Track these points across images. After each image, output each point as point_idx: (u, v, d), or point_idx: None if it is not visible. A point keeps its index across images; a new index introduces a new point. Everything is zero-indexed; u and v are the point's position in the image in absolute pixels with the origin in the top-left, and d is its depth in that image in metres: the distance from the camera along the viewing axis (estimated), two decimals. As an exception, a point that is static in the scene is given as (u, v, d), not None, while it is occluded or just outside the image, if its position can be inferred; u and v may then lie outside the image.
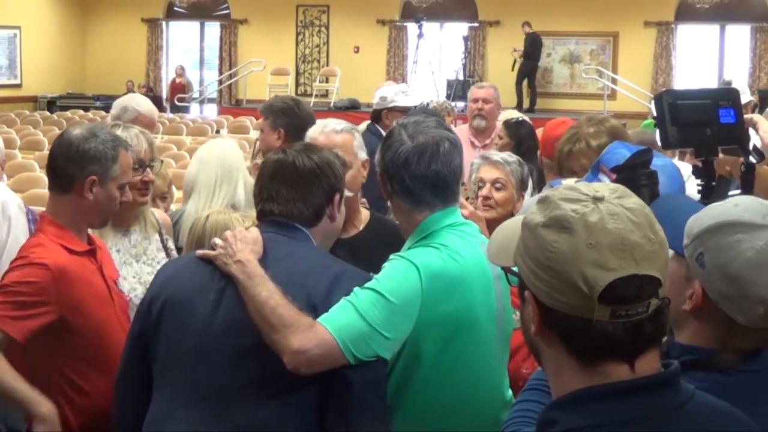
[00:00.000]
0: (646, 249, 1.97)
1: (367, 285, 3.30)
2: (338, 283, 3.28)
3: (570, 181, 3.30)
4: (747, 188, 3.27)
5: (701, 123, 3.12)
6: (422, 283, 3.33)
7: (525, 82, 26.15)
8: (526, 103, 25.55)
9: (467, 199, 4.00)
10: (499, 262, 2.28)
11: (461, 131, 8.16)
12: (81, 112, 24.31)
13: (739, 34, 26.47)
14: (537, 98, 26.37)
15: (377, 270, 3.68)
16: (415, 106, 8.62)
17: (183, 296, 3.33)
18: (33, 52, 29.39)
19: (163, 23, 31.30)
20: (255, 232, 3.40)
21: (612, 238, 1.95)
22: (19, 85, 29.39)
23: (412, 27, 27.55)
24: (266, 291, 3.18)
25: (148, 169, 4.61)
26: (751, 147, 3.33)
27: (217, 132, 21.08)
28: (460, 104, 23.78)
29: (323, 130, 4.44)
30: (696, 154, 3.19)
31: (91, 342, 3.81)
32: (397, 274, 3.35)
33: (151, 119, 6.68)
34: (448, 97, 25.04)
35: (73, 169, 3.86)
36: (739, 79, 25.22)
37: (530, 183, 7.32)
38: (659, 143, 3.24)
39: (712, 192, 3.13)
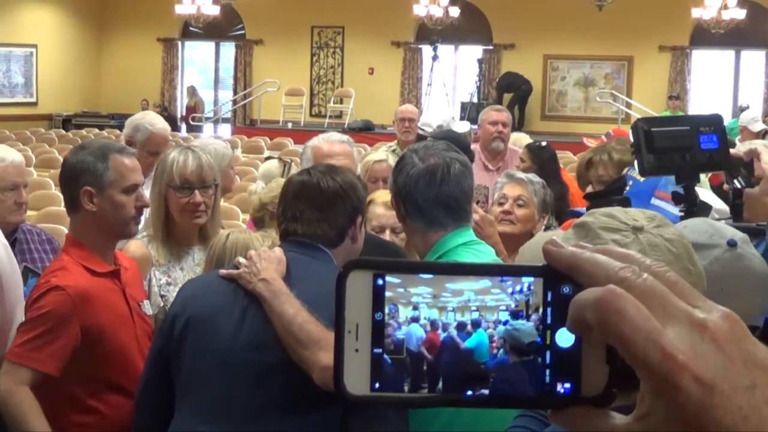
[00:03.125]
0: (686, 281, 1.96)
1: None
2: None
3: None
4: (736, 213, 3.30)
5: (678, 149, 3.12)
6: None
7: (516, 105, 26.23)
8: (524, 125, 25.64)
9: (477, 203, 4.03)
10: None
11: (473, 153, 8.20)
12: (96, 130, 24.38)
13: (754, 60, 26.47)
14: (545, 121, 26.45)
15: None
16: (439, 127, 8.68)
17: (207, 314, 3.35)
18: (49, 71, 29.51)
19: (179, 43, 31.39)
20: (278, 251, 3.42)
21: None
22: (34, 103, 29.49)
23: (426, 49, 27.58)
24: (293, 308, 3.21)
25: (197, 192, 4.58)
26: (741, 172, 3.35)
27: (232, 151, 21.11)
28: (474, 126, 23.84)
29: (327, 139, 4.52)
30: (676, 180, 3.20)
31: (109, 364, 3.80)
32: None
33: (164, 137, 6.67)
34: (462, 119, 25.07)
35: (70, 187, 3.92)
36: (754, 105, 25.25)
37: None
38: (636, 170, 3.27)
39: (694, 217, 3.15)
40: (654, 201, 3.47)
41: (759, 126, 12.33)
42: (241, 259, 3.40)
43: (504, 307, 0.93)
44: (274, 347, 3.21)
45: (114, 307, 3.86)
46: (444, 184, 3.55)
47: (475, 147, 8.72)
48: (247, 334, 3.28)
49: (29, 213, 11.87)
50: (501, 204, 5.26)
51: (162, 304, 4.46)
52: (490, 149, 8.37)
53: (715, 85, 26.82)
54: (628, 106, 26.00)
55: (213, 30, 28.75)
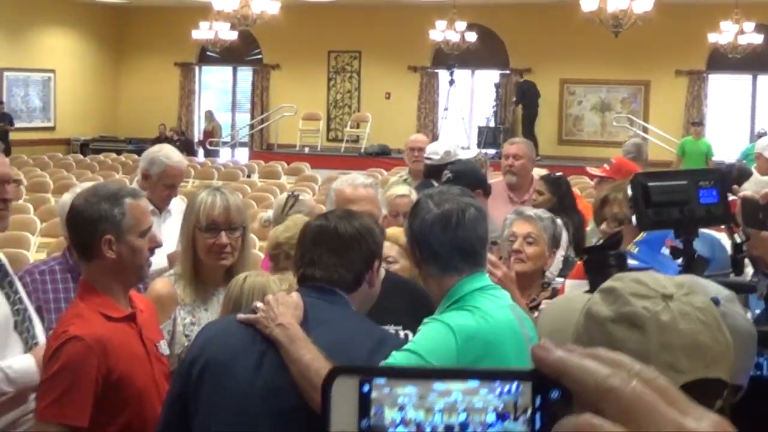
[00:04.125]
0: (715, 350, 1.98)
1: (404, 348, 3.34)
2: (379, 349, 3.32)
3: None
4: (737, 268, 3.29)
5: (676, 203, 3.14)
6: (457, 345, 3.38)
7: (536, 129, 26.24)
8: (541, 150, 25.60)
9: (500, 258, 4.04)
10: None
11: (498, 185, 8.16)
12: (113, 155, 24.46)
13: (771, 85, 26.48)
14: (562, 146, 26.47)
15: (396, 320, 3.94)
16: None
17: (224, 358, 3.36)
18: (67, 95, 29.67)
19: (196, 68, 31.53)
20: (296, 296, 3.43)
21: (684, 340, 1.96)
22: (52, 128, 29.63)
23: (443, 74, 27.64)
24: (309, 354, 3.22)
25: (223, 233, 4.57)
26: (740, 229, 3.35)
27: (249, 176, 21.17)
28: (491, 151, 23.89)
29: (351, 183, 4.51)
30: (674, 234, 3.21)
31: (128, 408, 3.80)
32: (433, 335, 3.42)
33: (180, 171, 6.71)
34: (479, 144, 25.11)
35: (86, 236, 3.87)
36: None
37: (565, 236, 7.35)
38: (635, 224, 3.28)
39: (690, 272, 3.15)
40: (664, 250, 3.46)
41: (777, 153, 12.27)
42: (259, 304, 3.41)
43: (492, 409, 0.92)
44: (291, 392, 3.21)
45: (131, 352, 3.85)
46: (459, 229, 3.56)
47: (500, 180, 8.69)
48: (265, 379, 3.29)
49: (45, 240, 11.94)
50: (511, 242, 5.25)
51: (186, 344, 4.46)
52: (506, 183, 8.32)
53: (732, 109, 26.80)
54: (645, 130, 25.99)
55: (230, 55, 28.86)
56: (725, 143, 23.54)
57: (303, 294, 3.46)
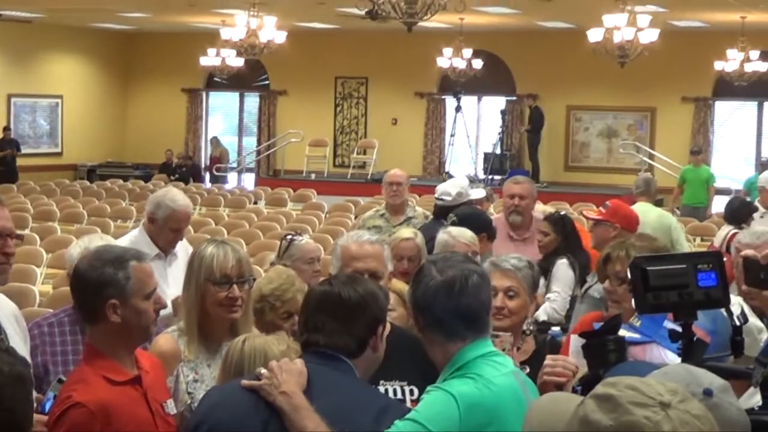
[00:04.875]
0: None
1: (407, 416, 3.35)
2: (382, 418, 3.32)
3: None
4: (736, 351, 3.31)
5: (675, 287, 3.15)
6: (460, 413, 3.38)
7: (541, 156, 26.31)
8: (543, 175, 25.62)
9: (503, 350, 4.03)
10: None
11: (497, 222, 8.17)
12: (120, 181, 24.51)
13: (777, 111, 26.49)
14: (568, 172, 26.50)
15: (402, 376, 3.97)
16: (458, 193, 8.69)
17: (228, 425, 3.37)
18: (74, 121, 29.75)
19: (203, 93, 31.60)
20: (300, 363, 3.44)
21: None
22: (59, 154, 29.70)
23: (450, 100, 27.69)
24: (313, 423, 3.23)
25: (235, 286, 4.58)
26: (738, 311, 3.36)
27: (255, 203, 21.21)
28: (497, 177, 23.90)
29: (357, 240, 4.50)
30: (674, 317, 3.22)
31: None
32: (436, 404, 3.41)
33: (186, 214, 6.76)
34: (485, 170, 25.15)
35: (91, 300, 3.86)
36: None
37: (571, 275, 7.36)
38: (635, 308, 3.30)
39: (688, 355, 3.17)
40: (667, 324, 3.48)
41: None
42: (263, 370, 3.42)
43: None
44: None
45: (136, 416, 3.84)
46: (462, 296, 3.55)
47: (500, 216, 8.70)
48: None
49: (51, 271, 11.93)
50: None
51: (189, 401, 4.45)
52: (509, 222, 8.32)
53: (738, 136, 26.81)
54: (651, 157, 26.01)
55: (237, 80, 28.93)
56: (731, 170, 23.56)
57: (306, 360, 3.47)
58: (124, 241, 6.56)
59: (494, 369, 3.54)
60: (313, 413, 3.26)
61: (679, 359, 3.25)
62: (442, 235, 6.61)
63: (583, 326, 4.84)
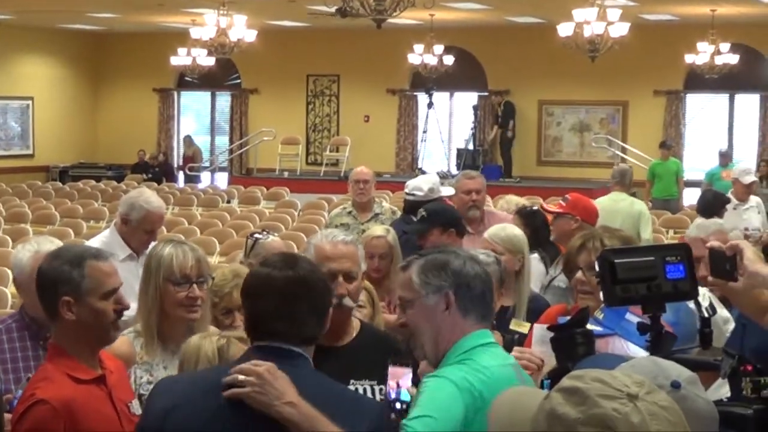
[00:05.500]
0: None
1: (413, 415, 3.34)
2: (359, 415, 3.26)
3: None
4: (705, 343, 3.32)
5: (643, 280, 3.16)
6: (462, 397, 3.40)
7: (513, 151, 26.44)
8: (516, 170, 25.76)
9: None
10: None
11: None
12: (93, 182, 24.42)
13: (748, 104, 26.57)
14: (541, 167, 26.64)
15: (371, 375, 3.97)
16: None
17: None
18: (45, 123, 29.62)
19: (175, 93, 31.52)
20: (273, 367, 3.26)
21: None
22: (31, 155, 29.56)
23: (422, 96, 27.68)
24: (329, 427, 3.17)
25: (195, 286, 4.57)
26: (706, 303, 3.37)
27: (228, 203, 21.18)
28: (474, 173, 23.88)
29: (330, 240, 4.48)
30: (642, 310, 3.23)
31: None
32: (438, 394, 3.41)
33: (160, 215, 6.73)
34: (458, 166, 25.16)
35: (48, 296, 3.85)
36: (747, 148, 25.33)
37: (542, 268, 7.36)
38: (603, 301, 3.31)
39: (659, 347, 3.17)
40: (628, 316, 3.49)
41: (750, 178, 12.39)
42: (242, 376, 3.22)
43: None
44: None
45: (101, 415, 3.82)
46: (487, 290, 3.64)
47: None
48: None
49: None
50: None
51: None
52: (467, 217, 8.28)
53: (710, 128, 26.91)
54: (624, 150, 26.07)
55: (208, 80, 28.85)
56: (703, 162, 23.64)
57: (259, 357, 3.27)
58: (95, 242, 6.54)
59: (493, 359, 3.56)
60: (322, 417, 3.16)
61: (641, 351, 3.26)
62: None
63: (548, 318, 4.86)
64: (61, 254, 3.92)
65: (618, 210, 10.96)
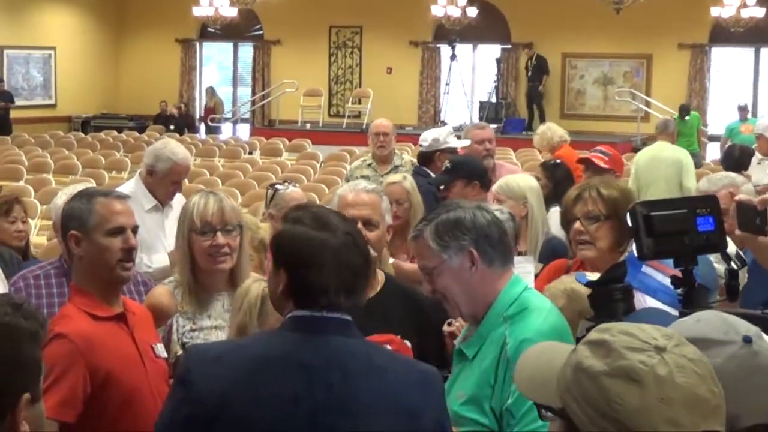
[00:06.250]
0: (711, 404, 1.97)
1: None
2: (429, 387, 3.06)
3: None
4: (731, 295, 3.27)
5: (677, 233, 3.13)
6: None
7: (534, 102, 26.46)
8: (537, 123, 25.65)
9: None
10: (536, 398, 2.22)
11: None
12: (114, 133, 24.43)
13: (774, 57, 26.40)
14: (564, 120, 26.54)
15: (396, 329, 3.90)
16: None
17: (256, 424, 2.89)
18: (67, 73, 29.60)
19: (197, 44, 31.43)
20: None
21: (683, 394, 1.95)
22: (53, 106, 29.59)
23: (445, 49, 27.56)
24: None
25: (219, 234, 4.51)
26: (734, 254, 3.32)
27: (250, 154, 21.14)
28: (493, 126, 23.79)
29: (353, 188, 4.46)
30: (674, 263, 3.18)
31: (120, 409, 3.78)
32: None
33: (186, 167, 6.73)
34: (480, 119, 25.05)
35: (62, 234, 3.96)
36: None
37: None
38: (635, 254, 3.25)
39: (692, 301, 3.13)
40: (646, 269, 3.44)
41: (771, 132, 12.28)
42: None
43: None
44: None
45: (121, 351, 3.82)
46: (504, 234, 3.64)
47: None
48: None
49: (46, 223, 11.90)
50: None
51: (180, 352, 4.36)
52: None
53: (734, 82, 26.70)
54: (647, 104, 25.92)
55: (231, 31, 28.77)
56: (727, 116, 23.46)
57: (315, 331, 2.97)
58: (121, 191, 6.54)
59: (544, 300, 3.64)
60: None
61: (660, 306, 3.21)
62: None
63: (549, 274, 4.84)
64: (79, 193, 3.99)
65: (661, 159, 11.29)
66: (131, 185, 6.79)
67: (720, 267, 3.53)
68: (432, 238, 3.53)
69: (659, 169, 11.07)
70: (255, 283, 3.96)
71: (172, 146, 6.75)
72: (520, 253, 5.55)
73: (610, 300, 3.10)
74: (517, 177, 6.55)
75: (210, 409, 2.85)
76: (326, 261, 2.95)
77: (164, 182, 6.57)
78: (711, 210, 3.14)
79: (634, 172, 11.64)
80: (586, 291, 3.39)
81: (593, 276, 3.46)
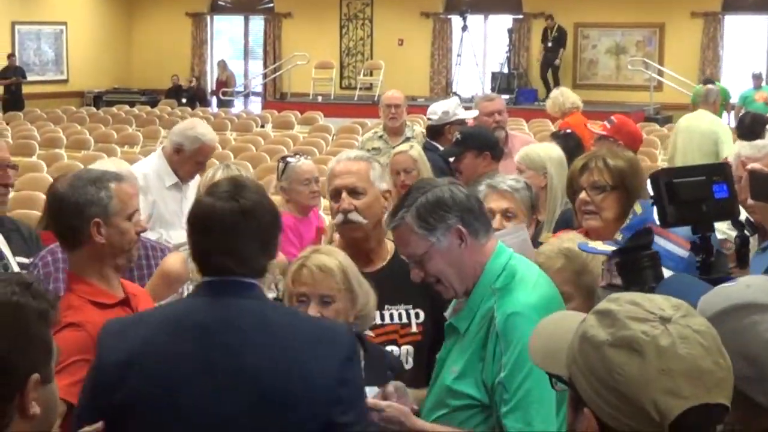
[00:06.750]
0: (716, 376, 1.96)
1: (520, 375, 3.35)
2: (330, 342, 3.12)
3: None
4: (742, 262, 3.27)
5: (698, 200, 3.14)
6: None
7: (549, 74, 26.29)
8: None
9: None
10: (547, 368, 2.21)
11: None
12: (126, 107, 24.42)
13: (787, 25, 26.24)
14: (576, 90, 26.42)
15: (407, 299, 3.97)
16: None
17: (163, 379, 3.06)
18: (79, 48, 29.58)
19: (208, 17, 31.38)
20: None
21: (684, 365, 1.93)
22: (65, 81, 29.59)
23: (456, 19, 27.48)
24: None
25: None
26: (744, 221, 3.32)
27: (262, 127, 21.13)
28: (505, 96, 23.76)
29: (339, 158, 4.46)
30: (693, 230, 3.17)
31: None
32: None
33: (214, 148, 6.85)
34: (492, 89, 24.99)
35: (75, 222, 3.80)
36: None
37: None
38: (657, 222, 3.24)
39: (711, 268, 3.12)
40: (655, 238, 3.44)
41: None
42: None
43: None
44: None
45: None
46: (477, 200, 3.67)
47: None
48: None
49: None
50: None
51: None
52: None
53: (747, 51, 26.55)
54: (660, 73, 25.81)
55: (241, 4, 28.78)
56: (741, 85, 23.35)
57: (212, 294, 3.14)
58: (142, 166, 6.73)
59: (531, 266, 3.63)
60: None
61: (666, 272, 3.20)
62: None
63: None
64: (82, 177, 3.88)
65: (697, 129, 11.37)
66: (153, 161, 6.84)
67: (731, 233, 3.51)
68: (416, 224, 3.49)
69: (694, 139, 11.10)
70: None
71: (201, 127, 6.82)
72: (538, 223, 5.52)
73: (638, 268, 3.08)
74: (537, 147, 6.52)
75: (111, 379, 3.04)
76: (212, 227, 3.11)
77: (190, 161, 6.64)
78: (725, 178, 3.14)
79: (672, 139, 11.74)
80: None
81: (596, 244, 3.45)
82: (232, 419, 2.95)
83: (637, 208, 3.38)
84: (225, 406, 2.95)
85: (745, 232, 3.25)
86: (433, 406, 3.58)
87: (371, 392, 3.49)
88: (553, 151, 6.35)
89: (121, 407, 3.01)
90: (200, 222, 3.15)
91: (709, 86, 13.83)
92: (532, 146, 6.60)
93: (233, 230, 3.08)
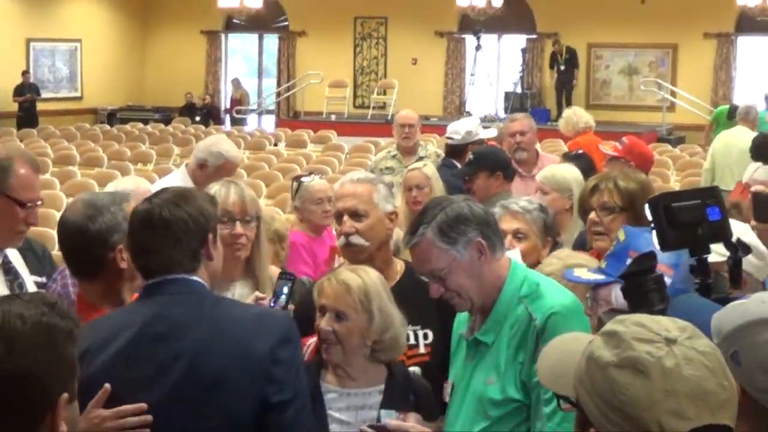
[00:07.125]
0: (720, 397, 1.97)
1: None
2: (265, 331, 3.28)
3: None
4: (735, 282, 3.30)
5: (694, 223, 3.20)
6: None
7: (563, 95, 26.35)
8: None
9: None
10: (555, 388, 2.24)
11: None
12: (140, 125, 24.47)
13: (801, 47, 26.22)
14: (589, 110, 26.38)
15: (415, 320, 3.97)
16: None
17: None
18: (93, 65, 29.67)
19: (222, 35, 31.46)
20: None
21: (689, 387, 1.95)
22: (79, 98, 29.67)
23: (470, 39, 27.52)
24: None
25: (238, 224, 4.50)
26: (736, 242, 3.36)
27: (275, 145, 21.18)
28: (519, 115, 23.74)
29: (343, 181, 4.51)
30: (690, 253, 3.21)
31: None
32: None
33: (237, 165, 6.91)
34: (506, 109, 25.02)
35: (98, 251, 3.80)
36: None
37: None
38: (657, 246, 3.27)
39: (710, 289, 3.16)
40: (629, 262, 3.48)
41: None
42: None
43: None
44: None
45: None
46: (492, 216, 3.74)
47: None
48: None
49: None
50: None
51: None
52: (515, 160, 8.18)
53: (760, 72, 26.52)
54: (673, 94, 25.82)
55: (256, 22, 28.81)
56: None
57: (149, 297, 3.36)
58: (166, 182, 6.73)
59: (544, 276, 3.72)
60: None
61: None
62: None
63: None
64: (95, 204, 3.86)
65: (735, 145, 11.40)
66: (177, 177, 6.91)
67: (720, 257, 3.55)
68: (438, 238, 3.54)
69: (731, 156, 11.09)
70: None
71: (225, 144, 6.90)
72: (556, 243, 5.55)
73: (644, 291, 3.11)
74: (562, 168, 6.52)
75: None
76: (133, 229, 3.37)
77: (213, 177, 6.62)
78: (716, 200, 3.19)
79: (710, 155, 11.76)
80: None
81: (580, 272, 3.51)
82: (165, 404, 3.15)
83: (621, 235, 3.43)
84: (156, 391, 3.16)
85: (738, 253, 3.27)
86: (471, 422, 3.59)
87: (388, 415, 3.54)
88: (577, 173, 6.37)
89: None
90: (130, 226, 3.40)
91: (749, 104, 13.93)
92: (557, 167, 6.61)
93: (146, 227, 3.31)
